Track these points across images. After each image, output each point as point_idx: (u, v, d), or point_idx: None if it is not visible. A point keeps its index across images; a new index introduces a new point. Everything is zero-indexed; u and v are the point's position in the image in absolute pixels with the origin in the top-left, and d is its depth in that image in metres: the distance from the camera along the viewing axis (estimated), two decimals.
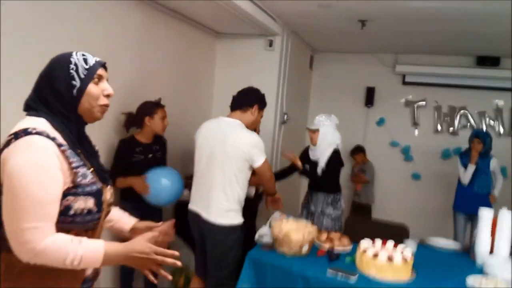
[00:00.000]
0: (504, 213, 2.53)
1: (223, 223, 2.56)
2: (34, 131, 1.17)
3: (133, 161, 2.97)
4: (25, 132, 1.17)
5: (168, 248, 1.30)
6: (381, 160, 5.46)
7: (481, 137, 4.12)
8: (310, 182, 3.60)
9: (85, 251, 1.17)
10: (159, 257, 1.25)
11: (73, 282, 1.28)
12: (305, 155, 3.57)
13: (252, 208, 2.86)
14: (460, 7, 3.25)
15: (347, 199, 5.21)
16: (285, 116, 4.61)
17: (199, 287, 2.91)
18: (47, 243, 1.14)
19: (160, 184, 2.86)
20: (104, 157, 3.00)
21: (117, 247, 1.24)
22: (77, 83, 1.26)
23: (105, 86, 1.32)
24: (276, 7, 3.74)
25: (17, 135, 1.17)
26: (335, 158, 3.40)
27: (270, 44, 4.27)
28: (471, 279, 2.19)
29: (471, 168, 4.10)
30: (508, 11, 3.19)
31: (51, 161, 1.17)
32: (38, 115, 1.24)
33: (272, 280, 2.22)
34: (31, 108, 1.27)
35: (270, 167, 2.68)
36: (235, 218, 2.60)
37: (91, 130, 1.42)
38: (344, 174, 4.74)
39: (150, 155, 3.09)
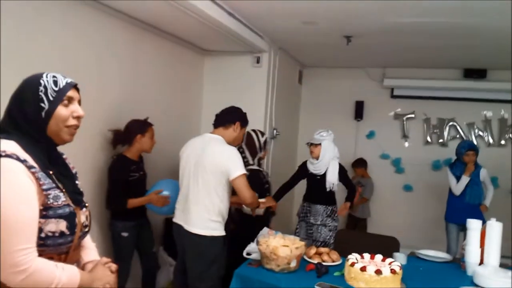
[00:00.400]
0: (492, 224, 2.53)
1: (203, 233, 2.59)
2: (3, 154, 1.16)
3: (130, 180, 2.99)
4: None
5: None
6: (372, 173, 5.47)
7: (475, 149, 4.16)
8: (309, 194, 3.80)
9: (67, 277, 1.20)
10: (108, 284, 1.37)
11: None
12: (304, 168, 3.78)
13: (263, 225, 2.85)
14: (446, 21, 3.31)
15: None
16: (275, 131, 4.62)
17: None
18: (37, 265, 1.15)
19: (175, 194, 2.92)
20: (91, 173, 2.99)
21: (86, 275, 1.31)
22: (45, 105, 1.25)
23: (75, 108, 1.31)
24: (262, 25, 3.79)
25: None
26: (344, 171, 3.70)
27: (258, 60, 4.31)
28: None
29: (465, 179, 4.11)
30: (493, 24, 3.25)
31: (26, 182, 1.17)
32: (8, 137, 1.23)
33: None
34: (2, 130, 1.26)
35: (247, 184, 2.59)
36: (216, 229, 2.63)
37: (76, 147, 1.41)
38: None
39: (141, 173, 3.10)
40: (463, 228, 4.12)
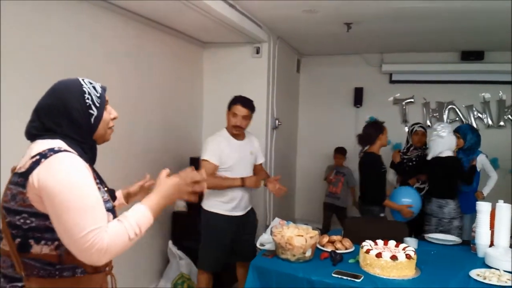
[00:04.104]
0: (501, 206, 2.56)
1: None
2: (61, 149, 1.22)
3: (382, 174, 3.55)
4: (53, 151, 1.20)
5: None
6: None
7: (460, 132, 3.88)
8: None
9: (135, 219, 1.25)
10: (189, 178, 1.41)
11: None
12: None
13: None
14: (443, 5, 3.31)
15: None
16: (277, 122, 4.62)
17: None
18: (109, 237, 1.18)
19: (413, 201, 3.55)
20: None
21: (152, 197, 1.34)
22: (94, 112, 1.32)
23: (111, 110, 1.40)
24: (261, 14, 3.77)
25: (44, 155, 1.20)
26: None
27: (257, 51, 4.29)
28: (475, 273, 2.21)
29: None
30: (489, 5, 3.25)
31: (86, 171, 1.23)
32: (53, 137, 1.27)
33: (277, 286, 2.21)
34: (37, 135, 1.28)
35: (206, 169, 2.69)
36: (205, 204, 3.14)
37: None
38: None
39: None
40: None
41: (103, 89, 1.39)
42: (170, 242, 3.70)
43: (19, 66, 2.30)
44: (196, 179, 1.42)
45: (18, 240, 1.22)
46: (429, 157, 3.64)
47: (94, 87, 1.35)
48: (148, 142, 3.57)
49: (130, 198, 1.72)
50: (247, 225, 3.23)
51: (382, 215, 3.46)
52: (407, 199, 3.53)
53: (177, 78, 4.02)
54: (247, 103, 3.05)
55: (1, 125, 2.14)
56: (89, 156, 1.34)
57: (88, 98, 1.31)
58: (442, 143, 3.55)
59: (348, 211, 5.15)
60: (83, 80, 1.35)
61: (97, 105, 1.33)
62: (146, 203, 1.31)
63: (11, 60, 2.23)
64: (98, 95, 1.35)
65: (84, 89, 1.32)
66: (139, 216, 1.26)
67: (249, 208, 3.24)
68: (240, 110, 3.01)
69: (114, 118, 1.41)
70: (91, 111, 1.31)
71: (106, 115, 1.37)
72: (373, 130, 3.55)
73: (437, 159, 3.58)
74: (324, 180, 5.31)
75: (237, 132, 3.07)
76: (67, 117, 1.28)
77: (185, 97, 4.21)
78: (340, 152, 5.21)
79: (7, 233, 1.23)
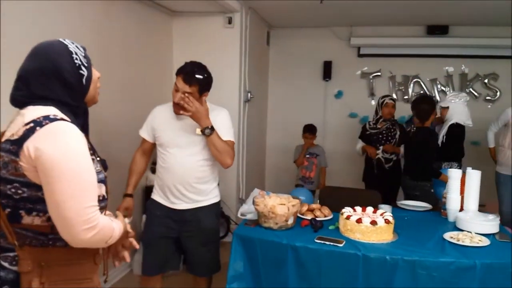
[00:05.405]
0: (471, 172, 2.68)
1: None
2: (58, 117, 1.15)
3: None
4: (49, 119, 1.13)
5: None
6: (341, 132, 5.61)
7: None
8: None
9: (118, 228, 1.27)
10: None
11: (93, 268, 1.31)
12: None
13: None
14: None
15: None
16: (249, 95, 4.58)
17: None
18: (102, 221, 1.17)
19: None
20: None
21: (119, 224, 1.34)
22: (84, 72, 1.26)
23: (94, 70, 1.34)
24: None
25: (39, 123, 1.12)
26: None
27: (230, 21, 4.20)
28: (448, 235, 2.32)
29: None
30: None
31: (85, 145, 1.18)
32: (45, 104, 1.19)
33: (262, 254, 2.24)
34: (26, 102, 1.20)
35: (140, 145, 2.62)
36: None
37: None
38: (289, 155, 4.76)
39: None
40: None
41: (84, 48, 1.32)
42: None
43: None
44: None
45: (8, 210, 1.16)
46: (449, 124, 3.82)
47: (77, 47, 1.28)
48: (114, 115, 3.43)
49: None
50: (191, 226, 2.50)
51: (432, 191, 3.45)
52: None
53: (144, 48, 3.87)
54: (190, 78, 2.28)
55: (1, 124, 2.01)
56: (81, 122, 1.27)
57: (76, 59, 1.24)
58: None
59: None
60: (64, 40, 1.27)
61: (86, 65, 1.27)
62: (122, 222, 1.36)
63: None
64: (84, 54, 1.28)
65: (71, 49, 1.25)
66: (119, 230, 1.29)
67: (196, 205, 2.50)
68: (181, 84, 2.29)
69: (98, 78, 1.37)
70: (81, 72, 1.25)
71: (94, 75, 1.32)
72: (428, 106, 3.56)
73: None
74: (294, 162, 4.84)
75: (177, 111, 2.36)
76: (59, 80, 1.20)
77: (153, 69, 4.07)
78: (310, 130, 4.72)
79: None
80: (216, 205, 2.61)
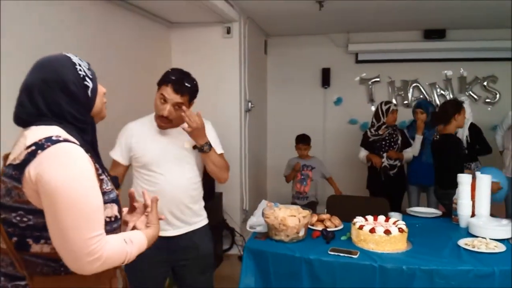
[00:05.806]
0: (481, 176, 2.65)
1: None
2: (60, 138, 1.08)
3: None
4: (51, 141, 1.06)
5: None
6: (341, 138, 5.58)
7: (423, 107, 4.15)
8: None
9: (137, 248, 1.19)
10: None
11: None
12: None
13: None
14: None
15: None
16: (249, 104, 4.55)
17: None
18: (109, 248, 1.09)
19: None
20: None
21: (147, 234, 1.29)
22: (89, 84, 1.20)
23: (100, 85, 1.29)
24: None
25: (41, 146, 1.05)
26: None
27: (228, 31, 4.17)
28: (463, 242, 2.27)
29: (419, 139, 4.10)
30: None
31: (89, 168, 1.10)
32: (48, 123, 1.12)
33: (274, 268, 2.18)
34: (30, 121, 1.14)
35: (113, 170, 2.20)
36: None
37: None
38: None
39: None
40: (423, 189, 4.20)
41: (88, 63, 1.28)
42: None
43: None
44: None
45: (15, 239, 1.10)
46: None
47: (80, 59, 1.24)
48: (111, 128, 3.36)
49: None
50: (188, 253, 2.16)
51: None
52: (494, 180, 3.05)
53: (142, 60, 3.81)
54: (180, 87, 2.03)
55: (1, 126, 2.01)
56: (90, 139, 1.22)
57: (80, 70, 1.19)
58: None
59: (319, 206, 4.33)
60: (67, 53, 1.23)
61: (90, 76, 1.22)
62: (147, 237, 1.28)
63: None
64: (88, 67, 1.24)
65: (74, 60, 1.20)
66: (140, 247, 1.22)
67: (190, 228, 2.16)
68: (170, 94, 2.03)
69: (104, 93, 1.30)
70: (86, 83, 1.19)
71: (100, 88, 1.27)
72: (450, 108, 3.30)
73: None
74: (284, 176, 4.41)
75: (164, 125, 2.10)
76: (63, 92, 1.14)
77: (151, 81, 3.98)
78: (304, 140, 4.33)
79: (2, 231, 1.11)
80: (208, 227, 2.29)
